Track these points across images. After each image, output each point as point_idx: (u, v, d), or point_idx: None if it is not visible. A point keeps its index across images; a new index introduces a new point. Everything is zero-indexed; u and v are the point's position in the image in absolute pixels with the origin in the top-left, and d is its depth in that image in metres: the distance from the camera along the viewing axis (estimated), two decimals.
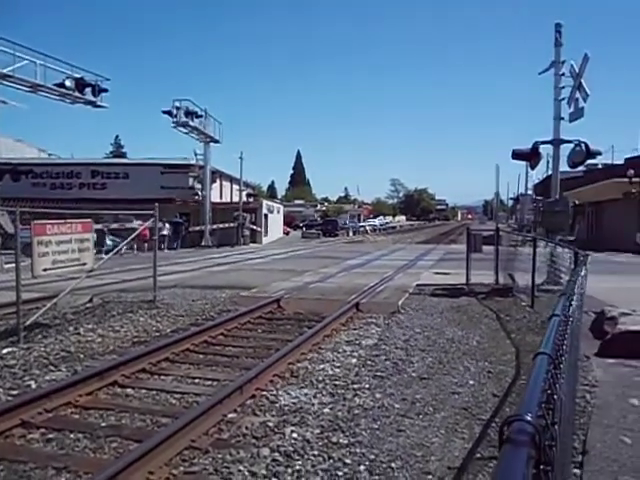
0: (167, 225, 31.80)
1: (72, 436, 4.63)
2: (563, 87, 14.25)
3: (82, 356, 7.29)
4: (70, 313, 10.05)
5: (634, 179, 32.27)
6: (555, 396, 1.18)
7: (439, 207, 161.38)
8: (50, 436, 4.63)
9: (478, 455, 4.35)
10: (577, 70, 13.85)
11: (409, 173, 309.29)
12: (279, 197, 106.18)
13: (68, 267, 9.34)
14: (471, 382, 6.26)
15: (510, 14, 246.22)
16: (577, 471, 3.94)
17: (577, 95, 13.86)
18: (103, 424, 4.91)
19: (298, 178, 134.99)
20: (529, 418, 0.98)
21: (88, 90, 25.60)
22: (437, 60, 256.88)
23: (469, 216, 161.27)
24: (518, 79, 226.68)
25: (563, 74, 14.27)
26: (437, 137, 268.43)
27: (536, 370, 1.31)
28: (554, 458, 1.01)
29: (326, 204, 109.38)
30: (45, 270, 8.75)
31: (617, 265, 20.09)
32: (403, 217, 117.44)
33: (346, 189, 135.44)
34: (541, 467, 0.94)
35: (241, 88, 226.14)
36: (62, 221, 9.31)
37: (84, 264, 9.68)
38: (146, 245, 25.85)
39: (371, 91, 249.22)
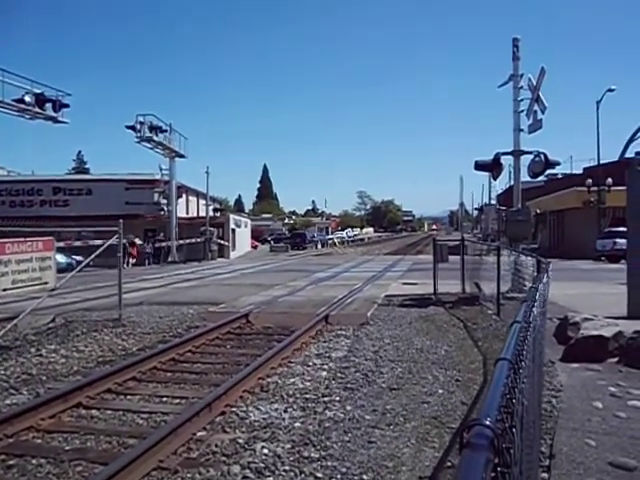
0: (150, 244, 34.85)
1: (34, 462, 4.47)
2: (522, 100, 14.68)
3: (44, 378, 7.07)
4: (31, 334, 9.74)
5: (592, 188, 33.37)
6: (514, 400, 1.21)
7: (406, 218, 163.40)
8: (11, 462, 4.46)
9: (448, 463, 4.38)
10: (534, 83, 14.29)
11: (376, 185, 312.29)
12: (246, 211, 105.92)
13: (29, 286, 9.11)
14: (440, 391, 6.31)
15: (472, 27, 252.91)
16: (545, 475, 4.01)
17: (535, 107, 14.28)
18: (67, 448, 4.76)
19: (265, 192, 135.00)
20: (487, 422, 1.00)
21: (49, 105, 25.12)
22: (400, 73, 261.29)
23: (434, 227, 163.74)
24: (480, 91, 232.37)
25: (521, 87, 14.70)
26: (403, 149, 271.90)
27: (496, 376, 1.34)
28: (512, 461, 1.03)
29: (294, 217, 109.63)
30: (5, 290, 8.51)
31: (578, 272, 20.65)
32: (371, 229, 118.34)
33: (314, 202, 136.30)
34: (498, 469, 0.96)
35: (206, 103, 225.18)
36: (22, 239, 9.07)
37: (46, 283, 9.45)
38: (132, 261, 30.66)
39: (337, 105, 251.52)
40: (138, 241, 32.71)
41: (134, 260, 31.81)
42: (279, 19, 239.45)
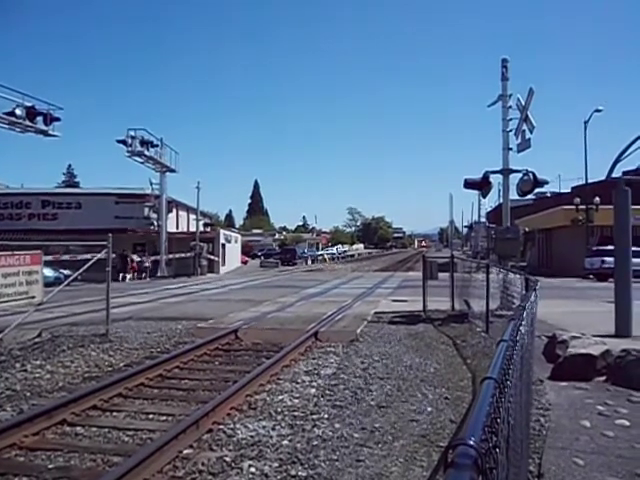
0: (149, 258, 35.66)
1: None
2: (510, 119, 14.86)
3: (29, 394, 6.97)
4: (17, 349, 9.61)
5: (580, 206, 33.70)
6: (499, 420, 1.21)
7: (396, 235, 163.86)
8: None
9: None
10: (523, 103, 14.48)
11: (366, 202, 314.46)
12: (237, 226, 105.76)
13: (15, 301, 9.00)
14: (429, 409, 6.29)
15: (463, 47, 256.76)
16: None
17: (524, 127, 14.45)
18: (50, 466, 4.68)
19: (256, 207, 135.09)
20: (472, 442, 1.00)
21: (40, 119, 25.10)
22: (392, 92, 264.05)
23: (423, 243, 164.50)
24: (471, 110, 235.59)
25: (510, 107, 14.89)
26: (393, 167, 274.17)
27: (482, 395, 1.34)
28: None
29: (284, 233, 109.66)
30: None
31: (567, 290, 20.76)
32: (361, 245, 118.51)
33: (304, 218, 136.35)
34: None
35: (198, 117, 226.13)
36: (9, 253, 8.99)
37: (32, 297, 9.35)
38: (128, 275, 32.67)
39: (328, 121, 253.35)
40: (136, 257, 33.58)
41: (132, 274, 33.37)
42: (272, 33, 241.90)
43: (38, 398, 6.77)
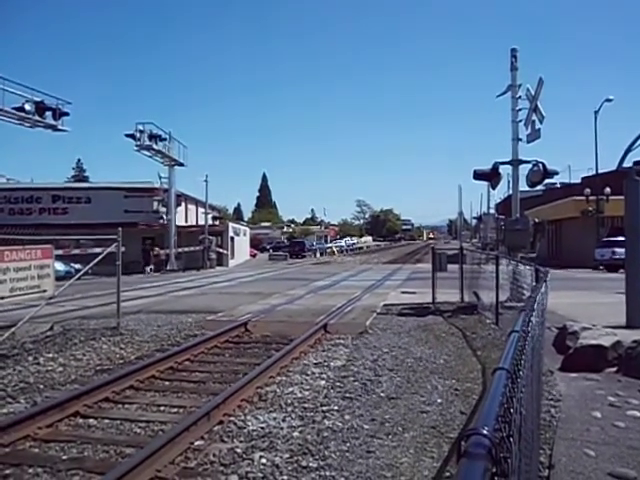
0: (163, 251, 36.22)
1: (31, 471, 4.45)
2: (520, 109, 14.73)
3: (42, 387, 7.05)
4: (29, 342, 9.71)
5: (591, 197, 33.42)
6: (512, 410, 1.21)
7: (405, 227, 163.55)
8: (7, 472, 4.44)
9: (447, 474, 4.36)
10: (533, 93, 14.34)
11: (374, 194, 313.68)
12: (245, 220, 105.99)
13: (27, 294, 9.09)
14: (439, 400, 6.29)
15: (472, 37, 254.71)
16: None
17: (533, 117, 14.32)
18: (64, 457, 4.74)
19: (264, 200, 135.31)
20: (485, 432, 1.00)
21: (49, 114, 25.18)
22: (400, 82, 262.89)
23: (431, 235, 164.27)
24: (480, 101, 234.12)
25: (520, 97, 14.75)
26: (402, 158, 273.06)
27: (494, 385, 1.34)
28: (510, 470, 1.03)
29: (293, 226, 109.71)
30: (2, 298, 8.48)
31: (577, 281, 20.66)
32: (369, 237, 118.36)
33: (312, 211, 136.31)
34: (496, 479, 0.96)
35: (206, 110, 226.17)
36: (21, 247, 9.07)
37: (44, 291, 9.43)
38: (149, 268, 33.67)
39: (336, 114, 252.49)
40: (156, 250, 34.38)
41: (153, 267, 34.13)
42: (279, 26, 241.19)
43: (51, 390, 6.85)
